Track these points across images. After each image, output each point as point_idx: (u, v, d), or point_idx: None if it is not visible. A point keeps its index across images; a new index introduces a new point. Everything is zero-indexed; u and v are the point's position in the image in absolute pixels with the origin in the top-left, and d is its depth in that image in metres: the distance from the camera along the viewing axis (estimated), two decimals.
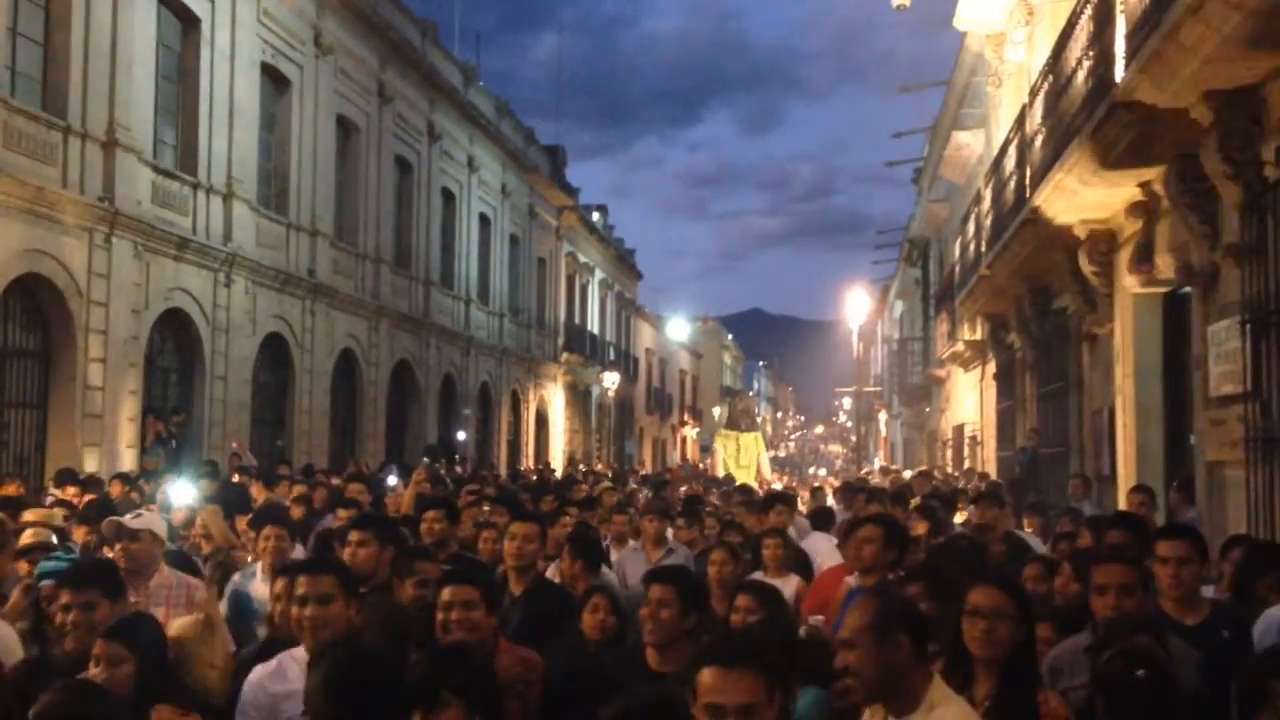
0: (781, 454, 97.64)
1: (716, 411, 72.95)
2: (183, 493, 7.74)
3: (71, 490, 10.35)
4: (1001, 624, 3.56)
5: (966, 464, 24.22)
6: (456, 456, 27.14)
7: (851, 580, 5.45)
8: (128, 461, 15.75)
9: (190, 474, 11.29)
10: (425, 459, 13.86)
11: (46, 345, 15.28)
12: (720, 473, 25.24)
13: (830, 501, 13.04)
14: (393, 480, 13.61)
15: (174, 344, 18.14)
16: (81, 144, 15.21)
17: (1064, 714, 3.48)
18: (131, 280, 16.13)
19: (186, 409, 17.88)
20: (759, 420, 28.78)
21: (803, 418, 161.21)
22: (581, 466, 27.36)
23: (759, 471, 24.62)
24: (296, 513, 8.60)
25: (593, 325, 45.18)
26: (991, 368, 19.73)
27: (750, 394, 36.90)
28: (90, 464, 14.91)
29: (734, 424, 26.65)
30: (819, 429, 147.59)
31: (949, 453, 27.44)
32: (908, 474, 22.16)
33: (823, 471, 54.81)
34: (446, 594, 4.16)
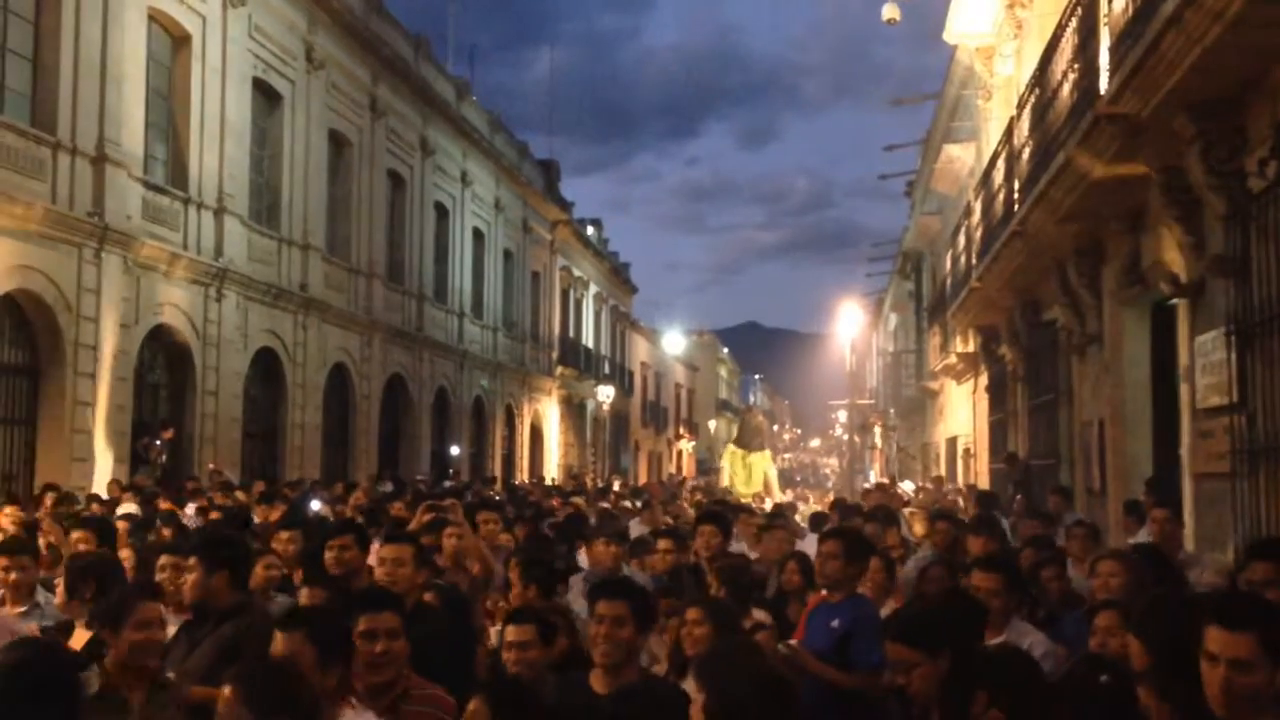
0: (778, 466, 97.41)
1: (713, 425, 72.91)
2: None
3: None
4: None
5: (944, 476, 24.04)
6: (450, 470, 27.11)
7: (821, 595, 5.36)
8: (117, 477, 15.66)
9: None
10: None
11: (35, 361, 15.25)
12: (726, 485, 24.72)
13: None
14: (316, 505, 12.47)
15: (164, 359, 18.10)
16: (71, 159, 15.20)
17: None
18: (121, 295, 16.10)
19: (177, 425, 17.82)
20: (770, 434, 27.19)
21: (799, 431, 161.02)
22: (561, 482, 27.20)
23: (767, 489, 23.74)
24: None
25: (587, 339, 45.14)
26: (984, 380, 19.70)
27: (760, 410, 35.87)
28: (79, 480, 14.84)
29: (744, 442, 25.12)
30: (816, 442, 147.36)
31: (942, 465, 27.41)
32: (906, 485, 22.20)
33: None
34: (364, 623, 3.73)
